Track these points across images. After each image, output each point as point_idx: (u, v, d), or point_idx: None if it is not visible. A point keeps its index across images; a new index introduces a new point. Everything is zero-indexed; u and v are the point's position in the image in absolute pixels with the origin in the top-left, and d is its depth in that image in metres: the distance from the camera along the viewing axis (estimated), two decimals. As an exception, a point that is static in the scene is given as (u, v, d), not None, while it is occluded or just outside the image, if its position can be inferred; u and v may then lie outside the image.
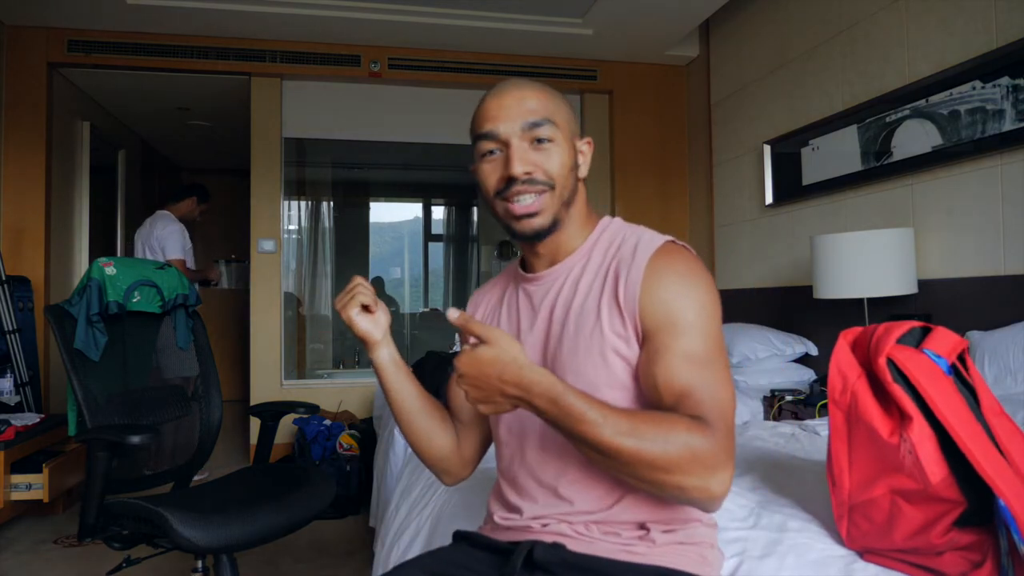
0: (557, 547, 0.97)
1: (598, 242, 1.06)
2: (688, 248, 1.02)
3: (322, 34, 4.24)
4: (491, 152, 1.03)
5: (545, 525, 1.02)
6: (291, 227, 5.21)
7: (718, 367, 0.92)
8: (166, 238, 3.95)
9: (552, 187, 1.01)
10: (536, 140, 1.01)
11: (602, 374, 0.97)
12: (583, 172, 1.08)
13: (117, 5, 3.77)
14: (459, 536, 1.12)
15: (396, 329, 6.71)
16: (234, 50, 4.27)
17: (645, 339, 0.95)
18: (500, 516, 1.10)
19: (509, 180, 1.00)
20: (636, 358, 0.96)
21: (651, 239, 1.01)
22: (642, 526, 0.99)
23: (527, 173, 1.00)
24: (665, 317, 0.94)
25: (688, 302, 0.94)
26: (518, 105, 1.01)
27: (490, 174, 1.03)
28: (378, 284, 6.86)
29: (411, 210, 7.44)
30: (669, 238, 1.01)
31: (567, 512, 1.01)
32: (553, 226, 1.03)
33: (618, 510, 0.99)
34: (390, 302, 6.91)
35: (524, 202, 1.00)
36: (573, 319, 1.01)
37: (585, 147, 1.08)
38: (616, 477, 0.96)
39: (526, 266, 1.13)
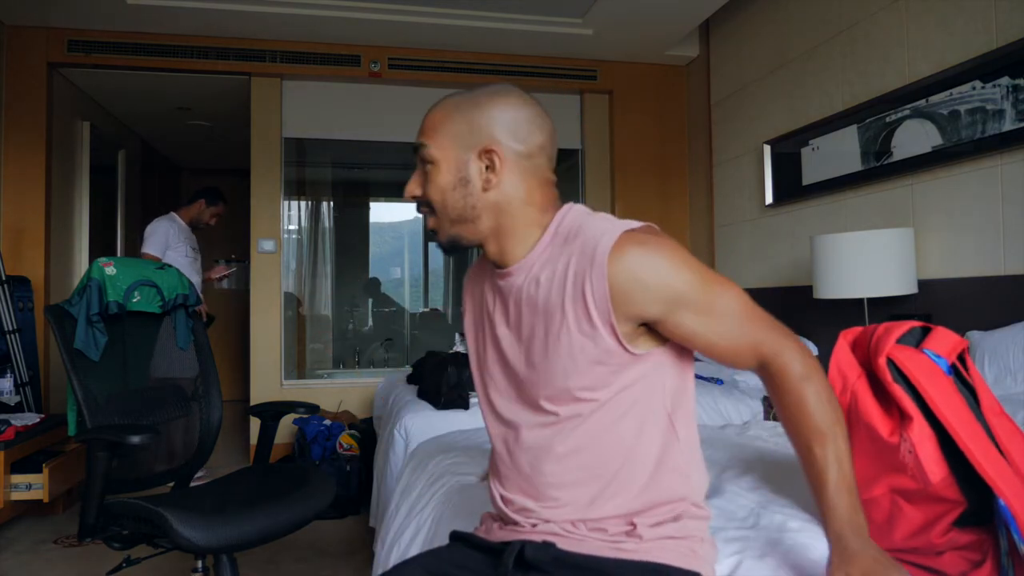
0: (547, 546, 0.98)
1: (555, 237, 1.04)
2: (637, 232, 0.98)
3: (322, 34, 4.24)
4: None
5: (535, 525, 1.03)
6: (291, 227, 5.21)
7: (723, 299, 0.98)
8: (148, 235, 3.93)
9: (434, 211, 1.05)
10: (422, 161, 1.05)
11: (571, 373, 0.99)
12: (494, 184, 1.02)
13: (117, 5, 3.77)
14: (455, 536, 1.13)
15: (396, 329, 6.71)
16: (234, 50, 4.27)
17: (658, 325, 0.98)
18: (495, 508, 1.12)
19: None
20: (603, 354, 0.97)
21: (603, 239, 0.97)
22: (629, 521, 1.00)
23: (413, 196, 1.06)
24: (662, 304, 0.96)
25: (668, 281, 0.95)
26: (420, 128, 1.06)
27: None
28: (374, 284, 6.86)
29: (411, 210, 7.42)
30: (619, 232, 0.97)
31: (553, 506, 1.02)
32: (453, 243, 1.06)
33: (601, 504, 1.00)
34: (390, 302, 6.91)
35: (428, 221, 1.06)
36: (541, 319, 1.02)
37: (490, 159, 1.02)
38: (599, 473, 1.01)
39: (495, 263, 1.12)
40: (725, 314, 0.98)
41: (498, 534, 1.09)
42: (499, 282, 1.08)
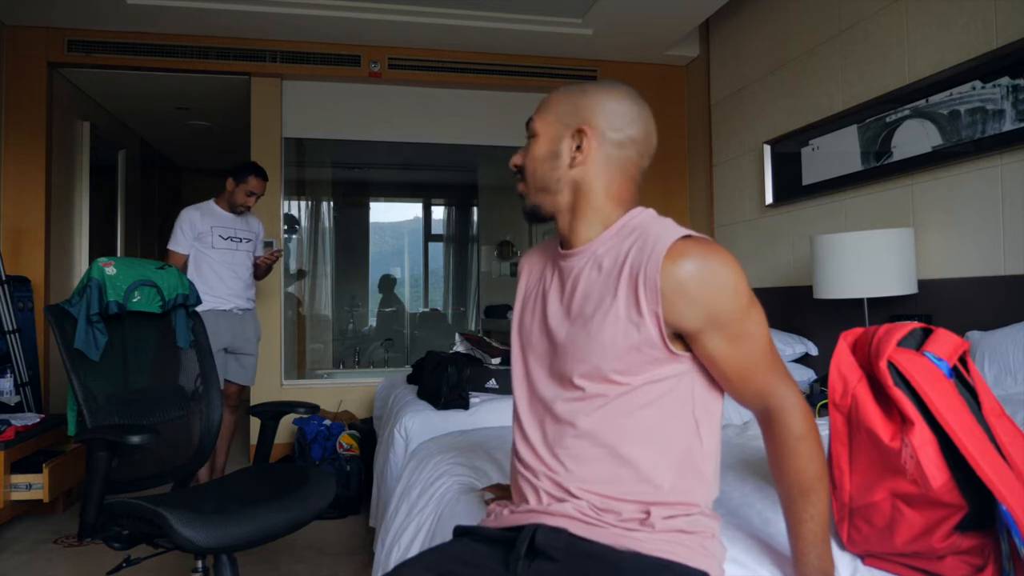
0: (559, 532, 0.99)
1: (622, 229, 1.10)
2: (699, 241, 1.02)
3: (322, 34, 4.24)
4: None
5: (550, 504, 1.05)
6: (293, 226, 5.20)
7: (752, 335, 1.02)
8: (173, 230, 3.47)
9: (524, 177, 1.16)
10: (528, 136, 1.16)
11: (609, 355, 1.03)
12: (579, 162, 1.11)
13: (117, 5, 3.77)
14: (460, 531, 1.13)
15: (396, 329, 6.71)
16: (234, 50, 4.27)
17: (690, 339, 1.02)
18: (513, 478, 1.16)
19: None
20: (643, 342, 1.01)
21: (663, 236, 1.02)
22: (644, 510, 1.01)
23: (515, 166, 1.17)
24: (701, 322, 1.00)
25: (711, 304, 0.99)
26: (537, 107, 1.18)
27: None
28: (389, 282, 6.83)
29: (411, 210, 7.43)
30: (681, 235, 1.02)
31: (570, 479, 1.05)
32: (534, 210, 1.16)
33: (616, 486, 1.03)
34: (393, 301, 6.92)
35: (518, 187, 1.18)
36: (594, 300, 1.07)
37: (578, 136, 1.11)
38: (616, 454, 1.04)
39: (563, 243, 1.19)
40: (748, 351, 1.02)
41: (509, 518, 1.10)
42: (561, 262, 1.15)
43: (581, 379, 1.05)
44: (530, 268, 1.27)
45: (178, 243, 3.40)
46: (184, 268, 3.39)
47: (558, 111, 1.13)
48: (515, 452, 1.16)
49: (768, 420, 1.05)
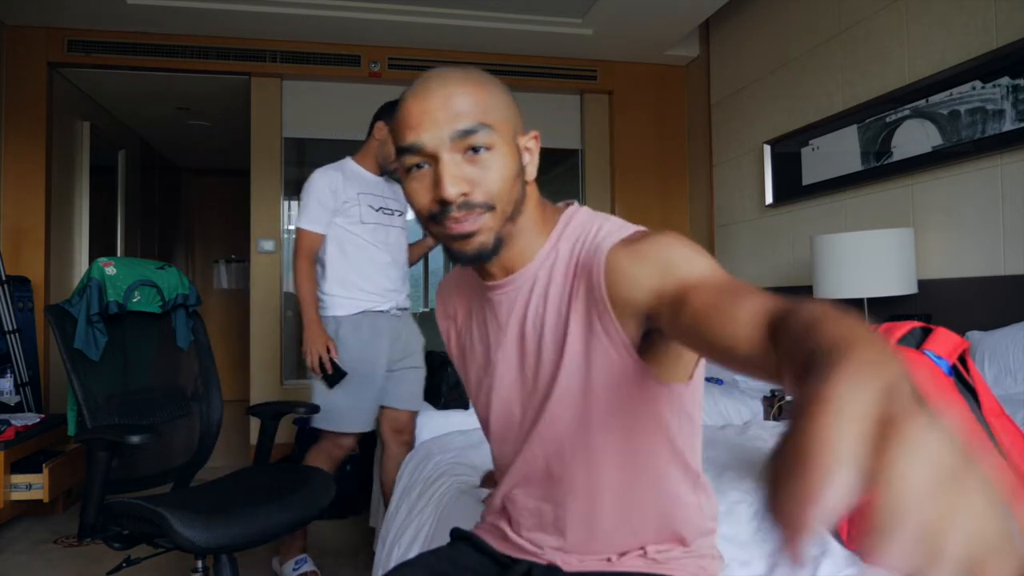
0: (553, 569, 0.97)
1: (561, 240, 0.91)
2: (639, 230, 0.87)
3: (322, 34, 4.24)
4: (417, 166, 0.85)
5: (542, 550, 1.00)
6: (291, 227, 5.20)
7: (735, 280, 0.74)
8: (300, 200, 2.48)
9: (492, 208, 0.84)
10: (471, 149, 0.83)
11: (575, 375, 0.89)
12: (531, 174, 0.89)
13: (117, 5, 3.77)
14: (457, 535, 1.12)
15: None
16: (234, 50, 4.27)
17: (663, 318, 0.76)
18: (497, 523, 1.09)
19: (443, 203, 0.83)
20: (623, 366, 0.85)
21: (604, 244, 0.85)
22: (641, 554, 0.97)
23: (463, 194, 0.82)
24: (657, 274, 0.77)
25: (663, 250, 0.79)
26: (445, 108, 0.82)
27: (420, 193, 0.85)
28: None
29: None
30: (618, 239, 0.84)
31: (559, 531, 0.98)
32: (497, 245, 0.86)
33: (609, 536, 0.97)
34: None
35: (460, 223, 0.84)
36: (549, 337, 0.90)
37: (532, 143, 0.90)
38: (597, 502, 0.94)
39: (483, 274, 0.96)
40: (721, 280, 0.74)
41: (501, 546, 1.06)
42: (493, 296, 0.95)
43: (553, 407, 0.91)
44: (450, 313, 1.09)
45: (314, 218, 2.43)
46: (315, 256, 2.47)
47: (504, 114, 0.86)
48: (492, 496, 1.10)
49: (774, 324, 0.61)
